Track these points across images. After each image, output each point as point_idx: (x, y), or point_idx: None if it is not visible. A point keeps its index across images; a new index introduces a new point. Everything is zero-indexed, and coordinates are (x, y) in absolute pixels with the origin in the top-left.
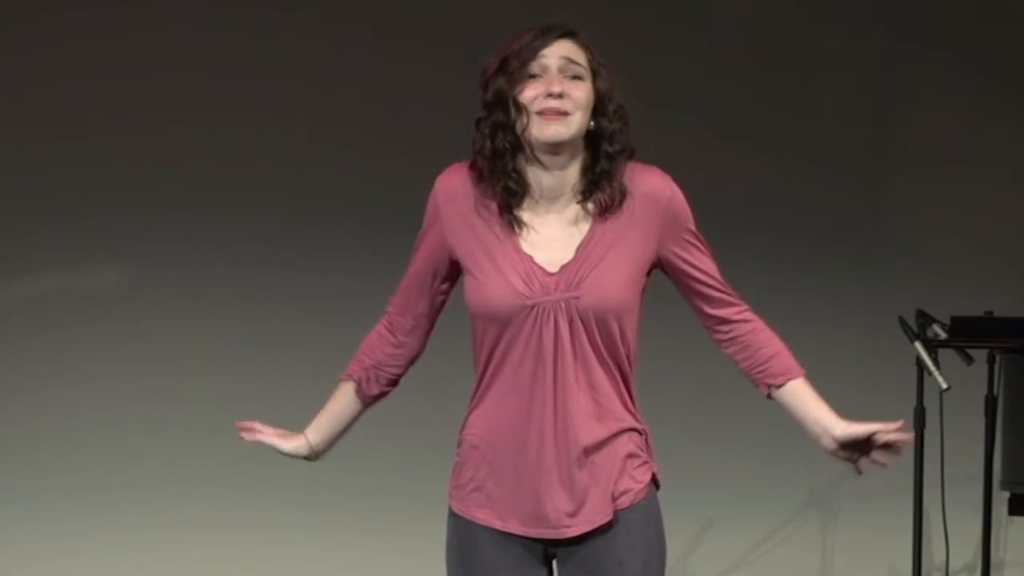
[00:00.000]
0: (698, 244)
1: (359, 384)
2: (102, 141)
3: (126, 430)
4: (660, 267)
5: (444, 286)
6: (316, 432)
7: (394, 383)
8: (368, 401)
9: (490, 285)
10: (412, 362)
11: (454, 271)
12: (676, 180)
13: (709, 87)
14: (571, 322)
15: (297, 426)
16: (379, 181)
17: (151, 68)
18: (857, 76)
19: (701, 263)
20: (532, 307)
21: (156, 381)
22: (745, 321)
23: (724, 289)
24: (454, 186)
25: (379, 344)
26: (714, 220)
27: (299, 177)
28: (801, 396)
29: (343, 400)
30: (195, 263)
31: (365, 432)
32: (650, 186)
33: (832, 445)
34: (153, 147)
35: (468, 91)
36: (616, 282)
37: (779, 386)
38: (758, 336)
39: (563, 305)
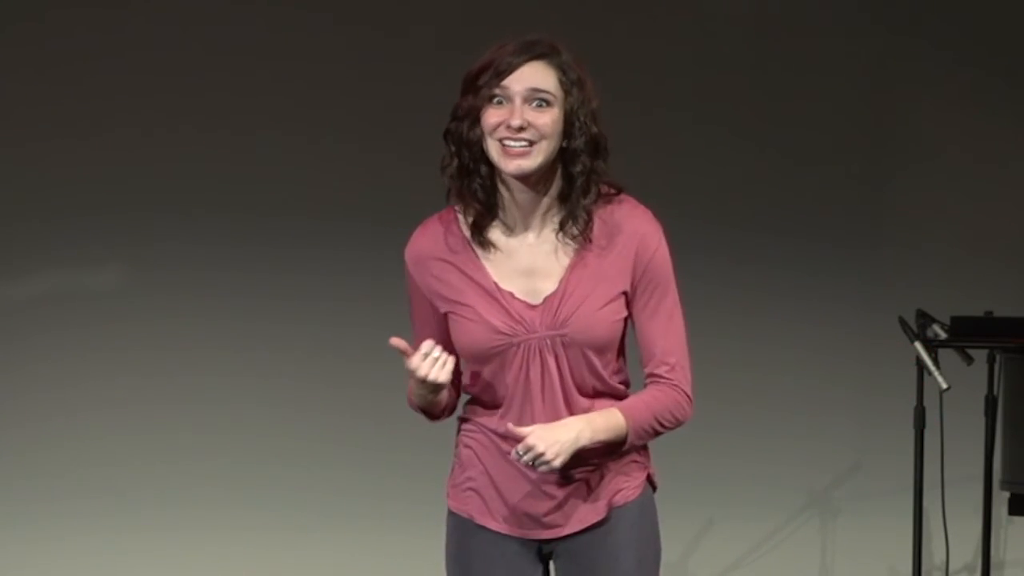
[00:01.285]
0: (664, 301)
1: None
2: (102, 141)
3: (126, 430)
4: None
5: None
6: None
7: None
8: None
9: (472, 329)
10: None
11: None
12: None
13: (708, 87)
14: (557, 358)
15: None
16: (381, 182)
17: (151, 68)
18: (857, 76)
19: (653, 324)
20: (519, 344)
21: (156, 381)
22: (657, 382)
23: (656, 356)
24: (419, 250)
25: None
26: (714, 220)
27: (300, 177)
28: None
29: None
30: (195, 263)
31: (365, 433)
32: (639, 231)
33: None
34: (153, 147)
35: None
36: (602, 321)
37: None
38: (651, 389)
39: (549, 342)
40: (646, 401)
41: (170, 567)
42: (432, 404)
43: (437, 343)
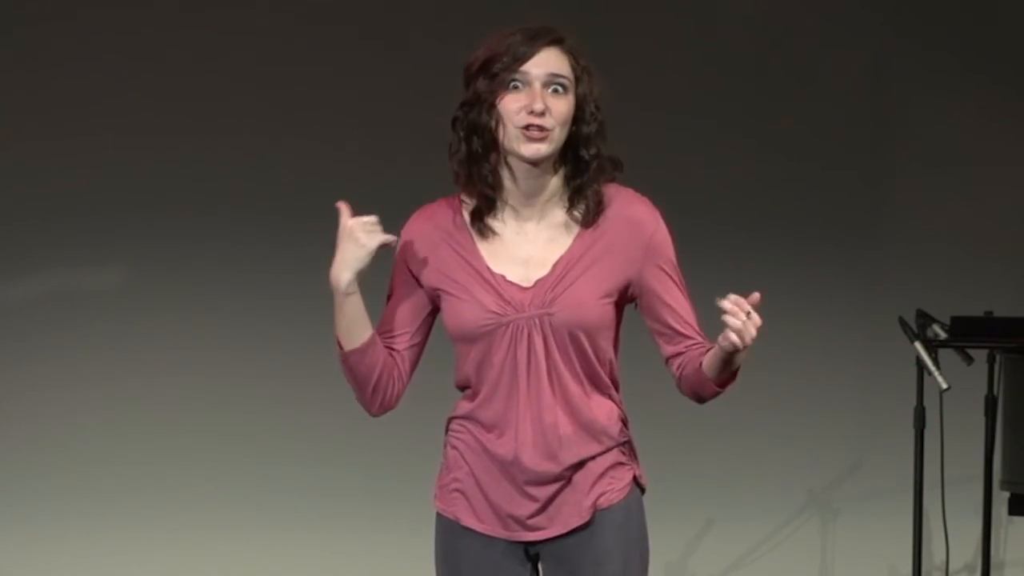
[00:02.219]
0: (674, 279)
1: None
2: (102, 141)
3: (126, 430)
4: (634, 298)
5: (429, 308)
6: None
7: (393, 398)
8: (381, 372)
9: (463, 309)
10: (402, 385)
11: (432, 299)
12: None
13: (709, 86)
14: (545, 338)
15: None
16: (380, 181)
17: (151, 68)
18: (857, 76)
19: (674, 300)
20: (507, 324)
21: (156, 381)
22: (695, 346)
23: (689, 330)
24: (416, 228)
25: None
26: (714, 219)
27: (299, 177)
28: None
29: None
30: (195, 263)
31: (363, 433)
32: (636, 214)
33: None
34: (153, 147)
35: None
36: (591, 301)
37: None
38: (697, 349)
39: (537, 321)
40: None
41: (169, 567)
42: (358, 350)
43: (405, 330)
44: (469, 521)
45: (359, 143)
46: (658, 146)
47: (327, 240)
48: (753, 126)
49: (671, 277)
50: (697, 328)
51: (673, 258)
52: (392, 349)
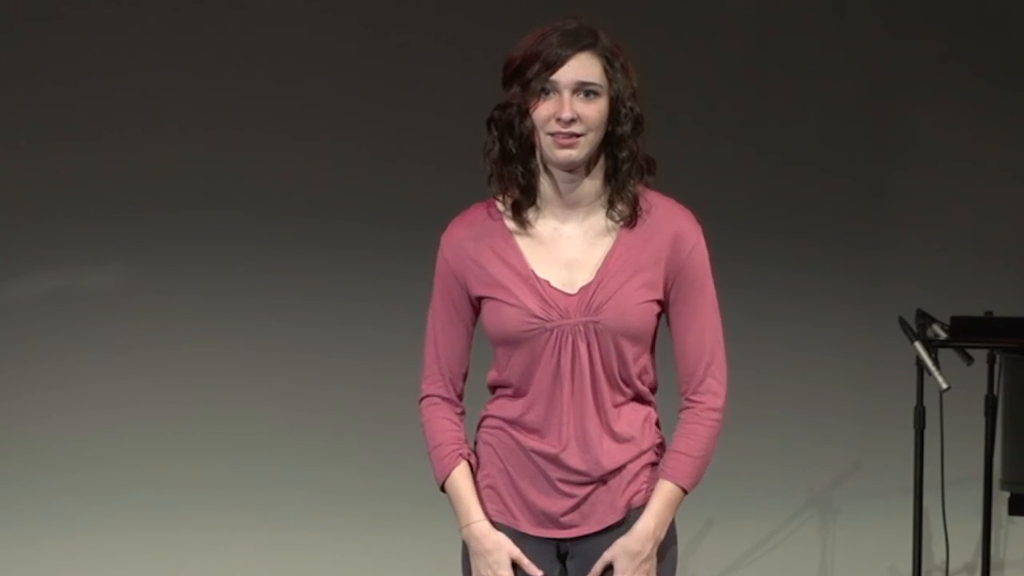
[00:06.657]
0: (699, 301)
1: (469, 461)
2: (102, 141)
3: (126, 430)
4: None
5: (474, 316)
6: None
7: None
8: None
9: (507, 312)
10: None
11: (476, 310)
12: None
13: (709, 87)
14: (589, 345)
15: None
16: (381, 182)
17: (151, 67)
18: (857, 76)
19: (688, 327)
20: (552, 330)
21: (156, 381)
22: (688, 408)
23: (691, 372)
24: (457, 236)
25: (451, 422)
26: (715, 220)
27: (300, 177)
28: (655, 494)
29: (469, 476)
30: (195, 263)
31: (367, 432)
32: (679, 228)
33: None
34: (153, 147)
35: (473, 93)
36: (635, 309)
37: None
38: (684, 427)
39: (582, 328)
40: (687, 449)
41: (169, 567)
42: None
43: (453, 348)
44: (500, 517)
45: (361, 143)
46: (657, 147)
47: (327, 240)
48: (752, 127)
49: (696, 299)
50: (699, 363)
51: (707, 276)
52: (455, 386)
